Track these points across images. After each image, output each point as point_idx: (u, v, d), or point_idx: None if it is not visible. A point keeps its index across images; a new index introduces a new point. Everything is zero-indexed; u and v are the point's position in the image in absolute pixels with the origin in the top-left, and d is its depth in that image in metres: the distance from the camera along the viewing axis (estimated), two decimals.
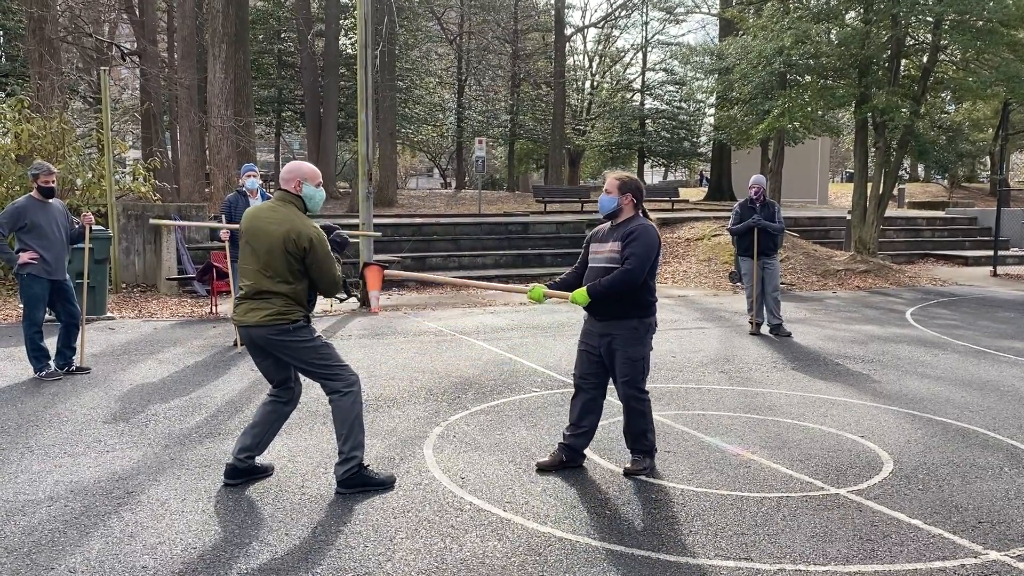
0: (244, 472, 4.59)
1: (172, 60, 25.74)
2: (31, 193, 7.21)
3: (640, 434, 4.84)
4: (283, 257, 4.25)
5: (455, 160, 41.85)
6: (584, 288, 4.69)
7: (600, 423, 5.02)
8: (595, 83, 43.59)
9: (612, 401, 5.47)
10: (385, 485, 4.53)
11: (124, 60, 27.34)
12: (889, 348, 9.07)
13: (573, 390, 5.01)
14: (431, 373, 7.52)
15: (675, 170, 56.75)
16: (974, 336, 9.93)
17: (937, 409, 6.45)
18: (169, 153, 26.79)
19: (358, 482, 4.47)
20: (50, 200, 7.23)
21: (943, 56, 18.42)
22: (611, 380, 4.90)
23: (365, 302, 11.76)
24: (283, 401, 4.64)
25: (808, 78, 19.27)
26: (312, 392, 5.74)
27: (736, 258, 10.50)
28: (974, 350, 9.00)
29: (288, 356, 4.44)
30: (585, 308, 4.80)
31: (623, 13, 39.99)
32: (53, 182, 7.22)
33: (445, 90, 40.15)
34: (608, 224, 4.89)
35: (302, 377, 4.67)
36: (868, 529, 4.08)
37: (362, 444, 4.50)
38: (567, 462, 4.89)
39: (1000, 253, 18.45)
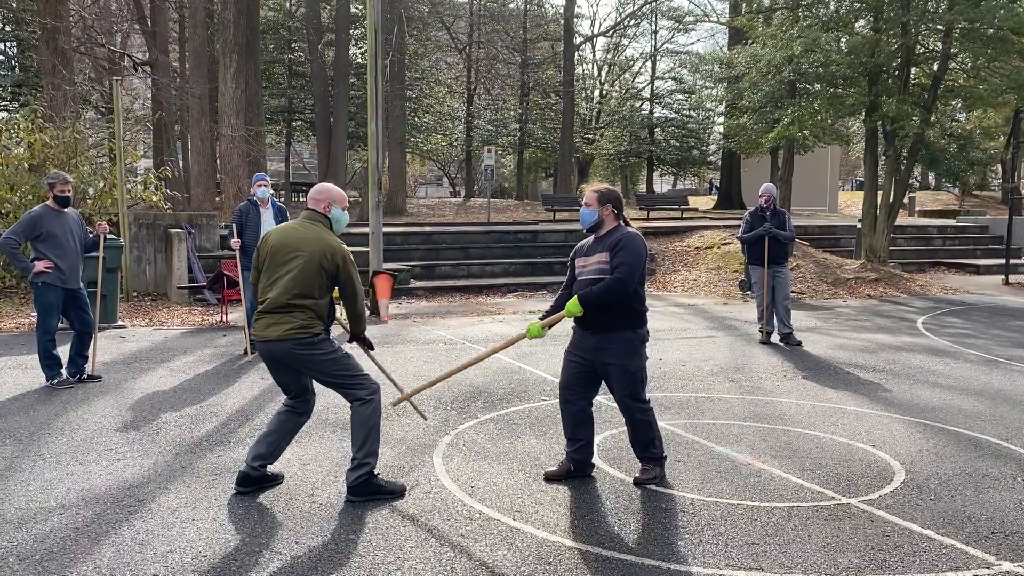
0: (256, 480, 4.61)
1: (183, 70, 25.89)
2: (47, 202, 7.27)
3: (648, 443, 4.83)
4: (318, 273, 4.40)
5: (464, 169, 41.90)
6: (575, 297, 4.66)
7: (609, 432, 5.01)
8: (604, 92, 43.67)
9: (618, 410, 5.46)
10: (395, 494, 4.54)
11: (136, 70, 27.53)
12: (900, 357, 9.03)
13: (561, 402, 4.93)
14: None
15: (684, 178, 56.80)
16: (986, 345, 9.88)
17: (949, 419, 6.42)
18: (180, 162, 26.94)
19: (368, 490, 4.48)
20: (65, 209, 7.29)
21: (953, 64, 18.36)
22: (605, 391, 4.84)
23: (374, 311, 11.79)
24: (298, 412, 4.69)
25: (818, 86, 19.24)
26: (323, 400, 5.74)
27: (746, 267, 10.48)
28: (986, 359, 8.95)
29: (311, 369, 4.50)
30: (579, 318, 4.74)
31: (632, 22, 40.08)
32: (69, 191, 7.28)
33: (454, 99, 40.25)
34: (591, 238, 4.87)
35: (316, 386, 4.70)
36: (880, 539, 4.06)
37: (376, 452, 4.53)
38: (575, 472, 4.89)
39: (1012, 262, 18.35)
